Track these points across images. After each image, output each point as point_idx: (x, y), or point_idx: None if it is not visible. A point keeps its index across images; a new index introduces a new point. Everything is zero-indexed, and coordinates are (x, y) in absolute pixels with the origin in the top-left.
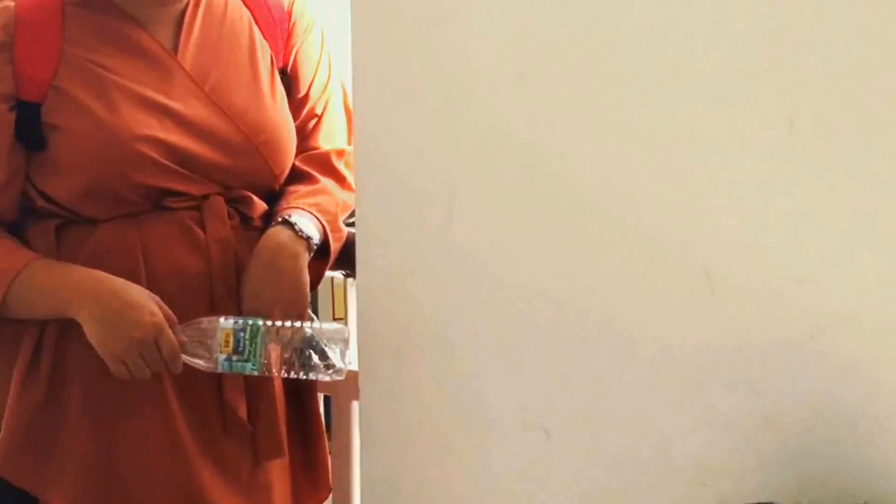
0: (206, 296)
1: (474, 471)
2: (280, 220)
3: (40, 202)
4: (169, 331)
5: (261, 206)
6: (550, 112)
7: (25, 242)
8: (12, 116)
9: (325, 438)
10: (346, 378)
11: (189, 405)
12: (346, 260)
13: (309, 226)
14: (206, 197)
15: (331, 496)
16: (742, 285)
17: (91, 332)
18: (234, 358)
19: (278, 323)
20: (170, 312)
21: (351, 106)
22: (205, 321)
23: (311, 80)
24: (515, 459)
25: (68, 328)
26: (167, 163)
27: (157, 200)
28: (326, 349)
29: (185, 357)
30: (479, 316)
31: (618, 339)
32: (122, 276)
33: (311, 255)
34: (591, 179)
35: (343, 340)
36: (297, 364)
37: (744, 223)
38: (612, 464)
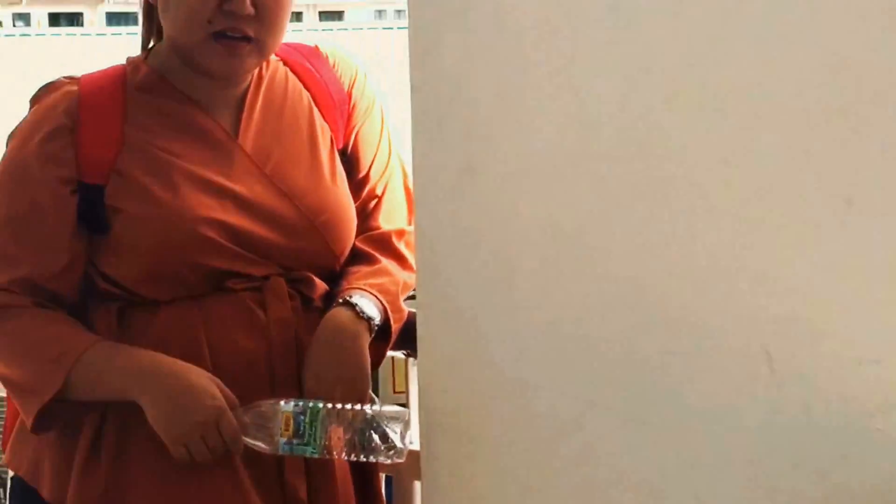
0: (267, 377)
1: None
2: (341, 301)
3: (102, 284)
4: (230, 414)
5: (321, 286)
6: (611, 193)
7: (87, 324)
8: (74, 200)
9: None
10: (408, 458)
11: (252, 484)
12: (407, 340)
13: (370, 306)
14: (266, 278)
15: None
16: (801, 365)
17: (152, 416)
18: (295, 442)
19: (339, 405)
20: (231, 395)
21: (411, 186)
22: (265, 404)
23: (371, 160)
24: None
25: (130, 412)
26: (229, 245)
27: (219, 282)
28: (388, 430)
29: (246, 440)
30: (543, 397)
31: (681, 418)
32: (187, 360)
33: (372, 335)
34: (652, 260)
35: (404, 422)
36: (357, 446)
37: (803, 303)
38: None
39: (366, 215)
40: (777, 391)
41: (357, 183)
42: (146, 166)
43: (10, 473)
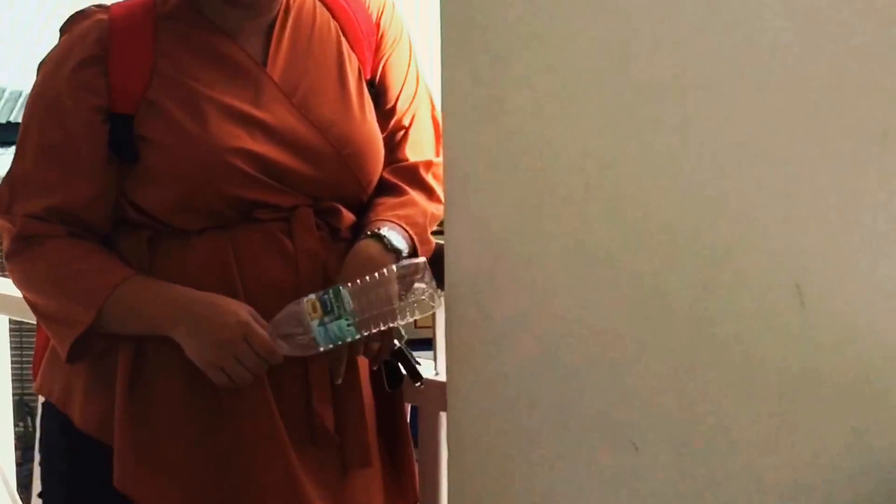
0: None
1: (562, 484)
2: (369, 233)
3: (132, 213)
4: (256, 327)
5: (349, 217)
6: (642, 123)
7: (117, 253)
8: (106, 128)
9: (413, 448)
10: (434, 388)
11: (280, 415)
12: (434, 271)
13: (398, 238)
14: (294, 208)
15: None
16: (833, 301)
17: (186, 347)
18: (327, 320)
19: (359, 280)
20: (261, 320)
21: (439, 117)
22: (288, 307)
23: (398, 91)
24: (603, 473)
25: (164, 341)
26: (257, 174)
27: (247, 212)
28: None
29: (282, 345)
30: (568, 326)
31: (708, 354)
32: (220, 290)
33: None
34: (682, 193)
35: (423, 271)
36: (395, 309)
37: (836, 238)
38: (700, 481)
39: (393, 146)
40: (808, 326)
41: (384, 114)
42: (175, 95)
43: (41, 400)
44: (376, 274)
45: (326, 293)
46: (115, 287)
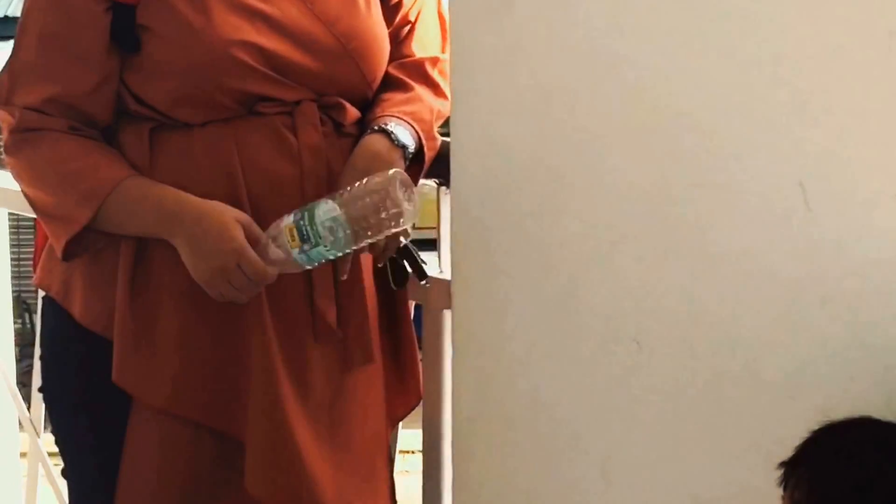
0: (297, 201)
1: (565, 380)
2: (376, 128)
3: (133, 105)
4: (249, 252)
5: (353, 112)
6: (651, 18)
7: (119, 145)
8: (108, 18)
9: (417, 346)
10: (439, 286)
11: (280, 315)
12: (440, 168)
13: (405, 134)
14: (298, 103)
15: (421, 403)
16: (837, 200)
17: (184, 259)
18: (305, 247)
19: (334, 193)
20: (257, 231)
21: (446, 14)
22: (274, 225)
23: None
24: (606, 370)
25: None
26: (260, 67)
27: (250, 105)
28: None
29: (274, 267)
30: (573, 226)
31: (710, 253)
32: (223, 186)
33: (406, 163)
34: (688, 90)
35: (397, 182)
36: (373, 224)
37: (841, 137)
38: (702, 376)
39: (398, 42)
40: (811, 226)
41: (390, 9)
42: None
43: (41, 295)
44: (358, 184)
45: (302, 218)
46: (114, 187)
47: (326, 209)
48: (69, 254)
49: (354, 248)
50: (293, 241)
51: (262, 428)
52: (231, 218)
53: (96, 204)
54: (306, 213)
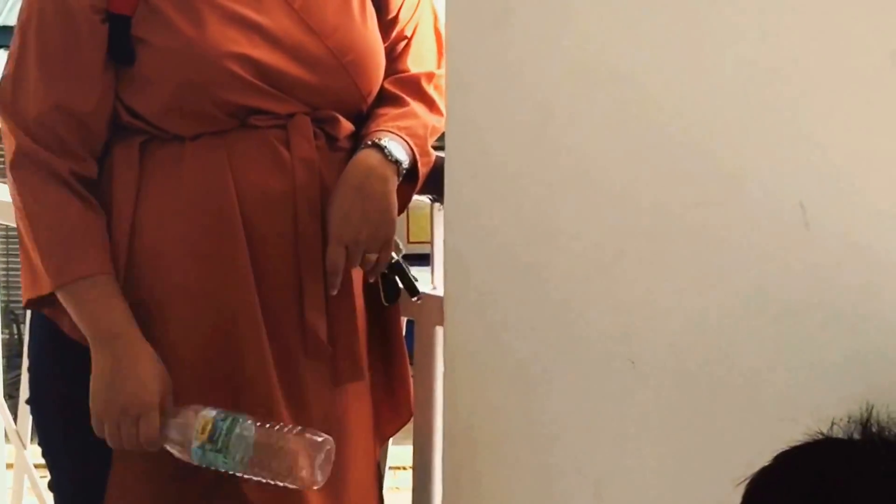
0: (289, 216)
1: (558, 398)
2: (370, 142)
3: (126, 117)
4: (155, 415)
5: (347, 126)
6: (650, 39)
7: (110, 158)
8: (105, 29)
9: (408, 362)
10: (431, 302)
11: (274, 330)
12: (433, 184)
13: (399, 150)
14: (291, 116)
15: (411, 420)
16: (836, 220)
17: (95, 377)
18: (208, 447)
19: (268, 424)
20: (169, 402)
21: (442, 29)
22: (192, 408)
23: (401, 1)
24: (600, 388)
25: (159, 251)
26: (254, 80)
27: (243, 118)
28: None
29: (165, 444)
30: (568, 243)
31: (707, 271)
32: (214, 198)
33: (400, 179)
34: (687, 108)
35: (324, 452)
36: (272, 470)
37: (842, 157)
38: (698, 396)
39: (394, 57)
40: (810, 245)
41: (386, 24)
42: None
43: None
44: (286, 430)
45: (223, 420)
46: (75, 280)
47: (246, 431)
48: (30, 305)
49: (245, 475)
50: (202, 434)
51: None
52: (161, 372)
53: (56, 284)
54: (229, 421)
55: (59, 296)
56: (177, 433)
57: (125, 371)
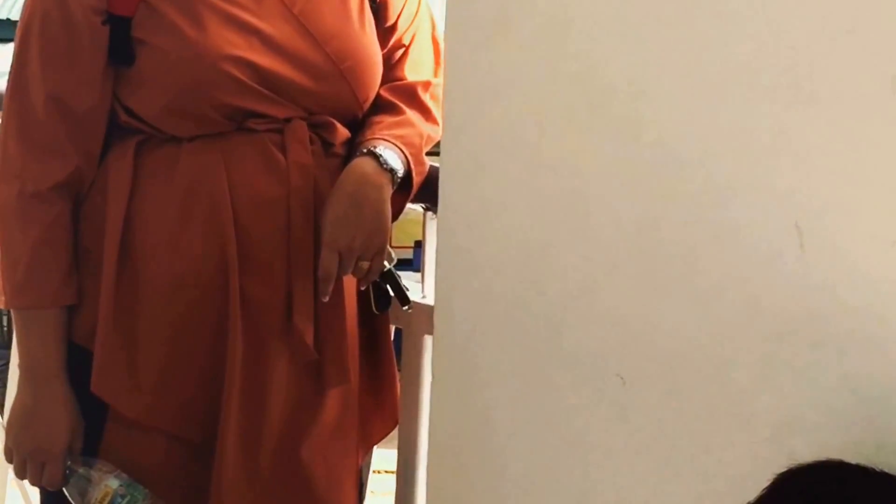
0: (283, 220)
1: (545, 412)
2: (365, 150)
3: (124, 117)
4: (59, 465)
5: (343, 132)
6: (647, 53)
7: (105, 166)
8: (106, 31)
9: (396, 370)
10: (420, 311)
11: (255, 333)
12: (427, 193)
13: (394, 158)
14: (288, 120)
15: (397, 428)
16: (832, 244)
17: (14, 412)
18: None
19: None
20: (78, 441)
21: (440, 39)
22: (102, 468)
23: (400, 9)
24: (588, 404)
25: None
26: (252, 84)
27: (240, 121)
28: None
29: (66, 490)
30: (560, 257)
31: (699, 290)
32: (209, 200)
33: (394, 188)
34: (685, 125)
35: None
36: None
37: (839, 181)
38: (688, 415)
39: (392, 65)
40: (805, 269)
41: (385, 31)
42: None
43: None
44: None
45: (124, 497)
46: (28, 306)
47: None
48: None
49: None
50: (102, 502)
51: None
52: (73, 420)
53: (8, 305)
54: (127, 498)
55: (12, 314)
56: (79, 487)
57: (40, 414)
